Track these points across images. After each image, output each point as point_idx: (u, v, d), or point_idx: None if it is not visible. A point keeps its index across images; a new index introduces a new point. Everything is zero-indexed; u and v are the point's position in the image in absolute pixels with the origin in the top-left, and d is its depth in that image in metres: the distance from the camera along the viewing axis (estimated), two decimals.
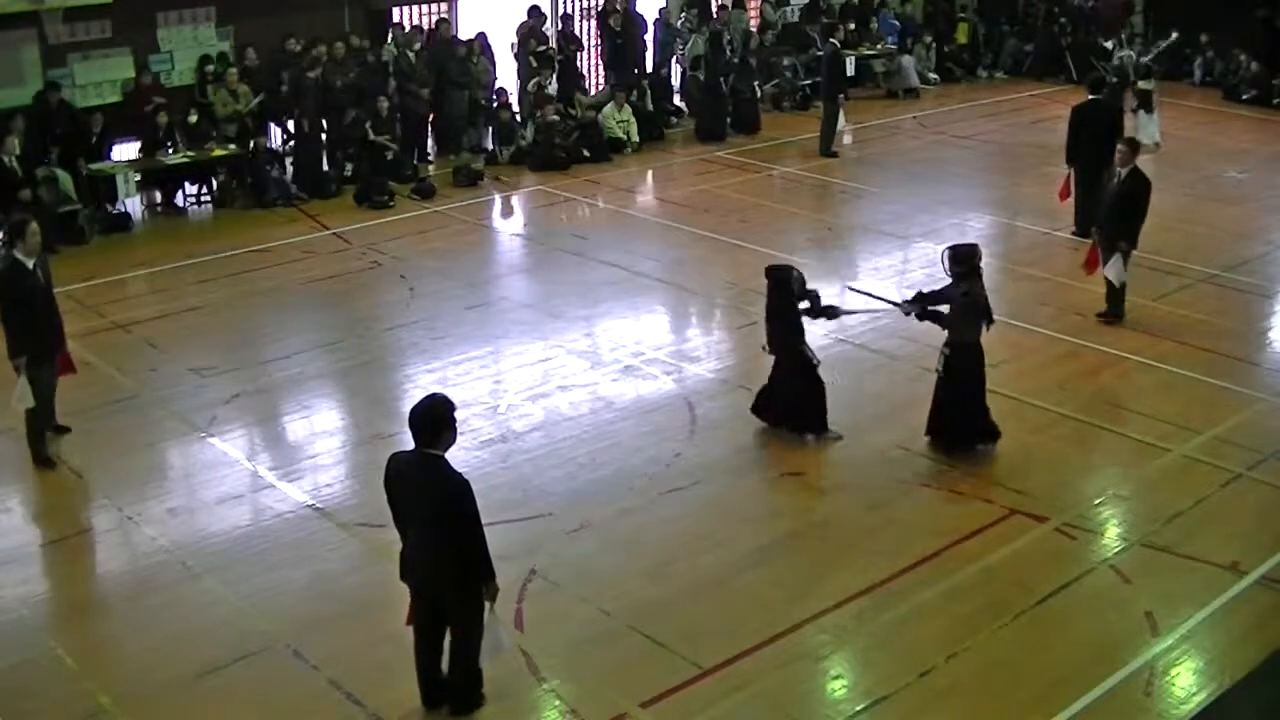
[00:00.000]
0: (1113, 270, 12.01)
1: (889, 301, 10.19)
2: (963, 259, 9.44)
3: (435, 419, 6.42)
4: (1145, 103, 18.22)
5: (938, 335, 12.03)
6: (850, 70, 20.10)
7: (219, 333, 12.14)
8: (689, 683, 7.11)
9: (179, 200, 16.28)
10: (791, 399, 9.88)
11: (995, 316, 9.73)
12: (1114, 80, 17.00)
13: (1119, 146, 12.20)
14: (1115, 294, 12.17)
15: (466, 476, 6.47)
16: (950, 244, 9.82)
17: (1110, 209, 12.05)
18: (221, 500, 9.07)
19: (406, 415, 6.50)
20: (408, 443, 9.77)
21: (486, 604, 6.54)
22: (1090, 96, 14.85)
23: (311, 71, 16.82)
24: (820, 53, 21.92)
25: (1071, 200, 14.51)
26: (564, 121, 18.30)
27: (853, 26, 22.35)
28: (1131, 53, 22.05)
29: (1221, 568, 8.20)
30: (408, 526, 6.61)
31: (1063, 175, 14.60)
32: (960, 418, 9.62)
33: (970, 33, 24.22)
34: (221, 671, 7.20)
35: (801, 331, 9.85)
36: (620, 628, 7.65)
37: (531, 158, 17.79)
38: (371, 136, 16.79)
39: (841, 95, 18.12)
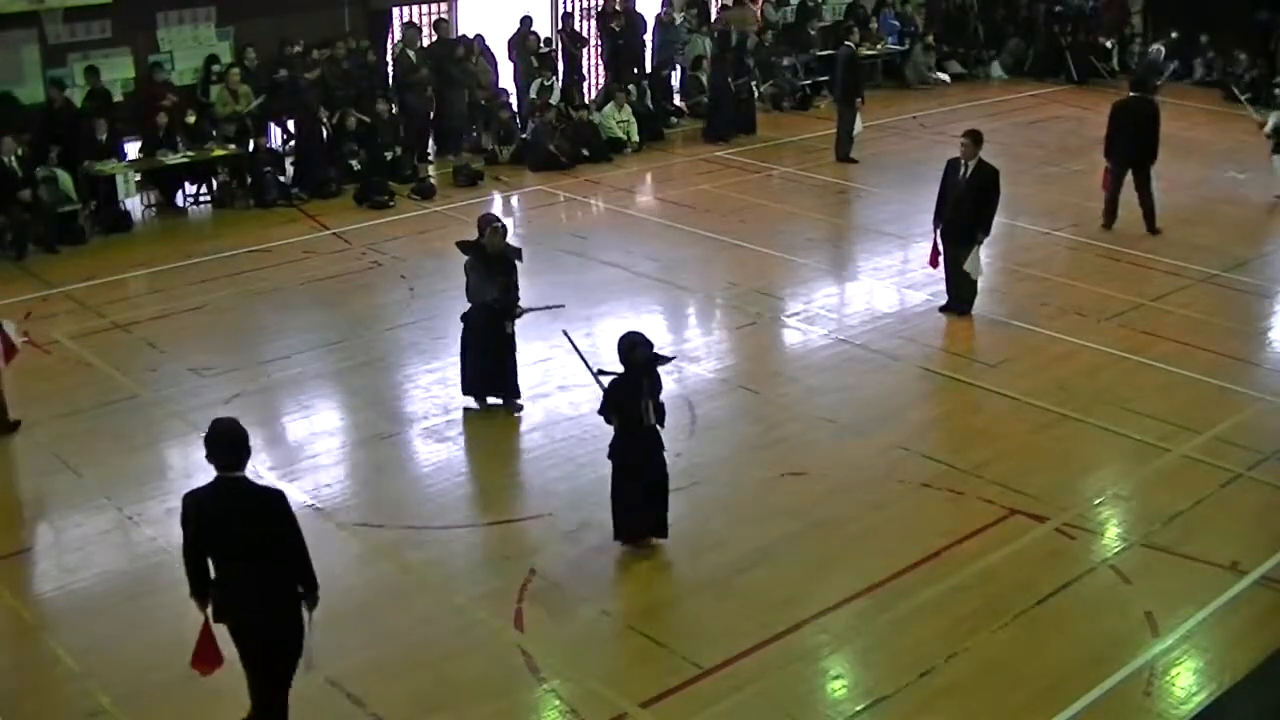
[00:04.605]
0: (971, 263, 12.09)
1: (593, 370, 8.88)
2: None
3: (243, 438, 6.02)
4: None
5: (938, 335, 12.10)
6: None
7: (219, 333, 12.13)
8: (689, 683, 7.11)
9: (179, 200, 16.28)
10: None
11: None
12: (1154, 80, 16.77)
13: (961, 139, 12.20)
14: (966, 285, 12.21)
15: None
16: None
17: (961, 203, 12.09)
18: None
19: (233, 439, 5.94)
20: (408, 442, 9.96)
21: (307, 615, 6.21)
22: (1131, 94, 14.94)
23: (309, 73, 16.81)
24: (821, 53, 22.04)
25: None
26: (563, 121, 18.28)
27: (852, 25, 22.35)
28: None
29: (1221, 568, 8.20)
30: (227, 562, 6.07)
31: (1102, 168, 14.85)
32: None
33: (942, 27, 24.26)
34: (221, 671, 7.18)
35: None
36: (620, 628, 7.66)
37: (531, 157, 17.79)
38: (335, 134, 16.71)
39: (859, 99, 18.06)
